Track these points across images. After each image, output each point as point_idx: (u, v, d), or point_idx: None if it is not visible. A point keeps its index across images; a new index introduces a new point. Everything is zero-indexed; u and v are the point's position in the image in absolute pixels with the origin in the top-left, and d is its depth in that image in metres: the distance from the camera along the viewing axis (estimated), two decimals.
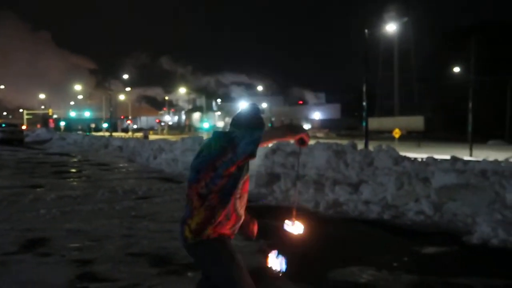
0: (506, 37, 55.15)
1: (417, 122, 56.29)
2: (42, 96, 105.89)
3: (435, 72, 60.09)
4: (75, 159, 24.00)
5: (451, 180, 9.00)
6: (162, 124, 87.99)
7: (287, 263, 3.21)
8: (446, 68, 54.48)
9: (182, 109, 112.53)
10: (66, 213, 9.09)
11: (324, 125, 78.76)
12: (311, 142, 16.43)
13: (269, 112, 78.27)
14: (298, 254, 3.24)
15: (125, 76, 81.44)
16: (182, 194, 10.51)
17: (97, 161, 22.38)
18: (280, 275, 3.20)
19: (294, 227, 3.20)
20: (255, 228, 3.40)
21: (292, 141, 3.12)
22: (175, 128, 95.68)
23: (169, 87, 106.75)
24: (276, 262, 3.21)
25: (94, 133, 59.74)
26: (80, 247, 6.62)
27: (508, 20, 59.38)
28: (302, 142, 3.05)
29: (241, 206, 3.12)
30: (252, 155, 2.88)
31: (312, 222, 8.52)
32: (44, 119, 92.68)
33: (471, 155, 22.12)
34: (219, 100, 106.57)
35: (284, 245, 3.21)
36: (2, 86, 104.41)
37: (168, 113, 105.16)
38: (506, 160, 11.65)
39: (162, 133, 72.15)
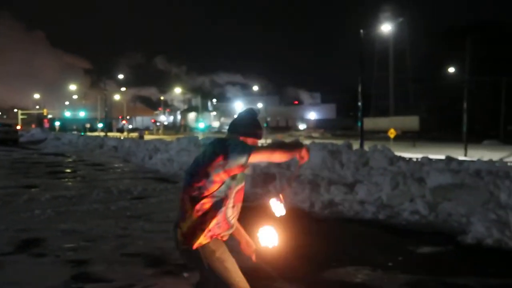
0: (501, 37, 55.40)
1: (412, 122, 56.39)
2: (36, 96, 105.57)
3: (430, 72, 60.30)
4: (70, 159, 23.94)
5: (446, 180, 9.02)
6: (158, 124, 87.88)
7: (276, 239, 3.19)
8: (441, 68, 54.69)
9: (178, 109, 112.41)
10: (61, 213, 9.07)
11: (319, 125, 78.91)
12: (307, 142, 16.47)
13: (264, 112, 78.29)
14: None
15: (121, 76, 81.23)
16: (177, 194, 10.49)
17: (92, 161, 22.33)
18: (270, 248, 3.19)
19: (278, 207, 3.13)
20: (251, 251, 3.38)
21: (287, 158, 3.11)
22: (171, 128, 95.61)
23: (164, 87, 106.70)
24: (266, 236, 3.18)
25: (89, 133, 59.58)
26: (75, 248, 6.61)
27: (503, 20, 59.65)
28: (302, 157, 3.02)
29: (233, 216, 3.13)
30: (243, 165, 2.90)
31: (308, 222, 8.57)
32: (39, 119, 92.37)
33: (465, 155, 22.20)
34: (214, 100, 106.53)
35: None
36: None
37: (164, 113, 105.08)
38: (501, 160, 11.71)
39: (157, 133, 72.03)
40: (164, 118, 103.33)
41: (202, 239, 3.00)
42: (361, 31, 24.56)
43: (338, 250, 6.61)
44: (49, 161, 22.43)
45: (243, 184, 3.16)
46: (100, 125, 70.81)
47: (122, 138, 41.24)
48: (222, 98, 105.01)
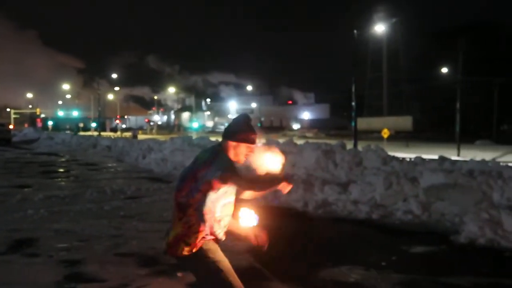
0: (494, 38, 55.70)
1: (405, 122, 56.64)
2: (29, 95, 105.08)
3: (424, 72, 60.52)
4: (63, 159, 23.84)
5: (439, 180, 9.06)
6: (151, 123, 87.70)
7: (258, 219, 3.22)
8: (435, 68, 54.92)
9: (172, 108, 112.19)
10: (54, 213, 9.03)
11: (313, 125, 79.00)
12: (301, 142, 16.48)
13: (258, 112, 78.31)
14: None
15: (114, 76, 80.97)
16: (171, 194, 10.46)
17: (86, 161, 22.26)
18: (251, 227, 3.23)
19: (250, 217, 3.19)
20: (263, 238, 3.38)
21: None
22: (164, 127, 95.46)
23: (157, 87, 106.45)
24: (248, 217, 3.21)
25: (82, 133, 59.36)
26: (68, 248, 6.58)
27: (496, 21, 59.95)
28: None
29: (221, 229, 3.15)
30: (220, 181, 2.95)
31: (301, 221, 8.58)
32: (32, 119, 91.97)
33: (458, 155, 22.29)
34: (208, 100, 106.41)
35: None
36: None
37: (157, 113, 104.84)
38: (493, 160, 11.77)
39: (151, 133, 71.89)
40: (158, 118, 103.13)
41: (186, 251, 3.03)
42: (355, 31, 24.62)
43: (331, 250, 6.62)
44: (42, 161, 22.33)
45: (232, 198, 3.16)
46: (93, 124, 70.59)
47: (115, 137, 41.13)
48: (216, 97, 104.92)
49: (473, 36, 48.93)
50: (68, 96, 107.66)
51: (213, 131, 77.22)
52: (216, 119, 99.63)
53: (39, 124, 79.80)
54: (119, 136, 52.60)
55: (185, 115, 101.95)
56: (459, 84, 29.58)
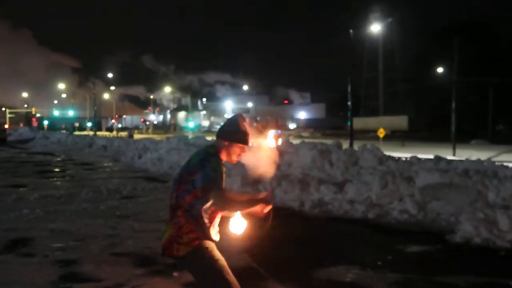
0: (490, 38, 55.88)
1: (401, 122, 56.73)
2: (25, 94, 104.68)
3: (419, 72, 60.65)
4: (58, 159, 23.78)
5: (434, 180, 9.08)
6: (147, 123, 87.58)
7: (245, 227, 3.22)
8: (430, 68, 55.04)
9: (167, 108, 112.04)
10: (49, 213, 9.00)
11: (309, 124, 79.06)
12: (297, 141, 16.50)
13: (254, 111, 78.34)
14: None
15: (110, 75, 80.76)
16: (167, 194, 10.47)
17: (81, 160, 22.21)
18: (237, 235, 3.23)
19: (239, 225, 3.19)
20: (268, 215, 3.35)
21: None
22: (160, 127, 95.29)
23: (152, 86, 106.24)
24: (235, 223, 3.21)
25: (78, 132, 59.22)
26: (64, 247, 6.56)
27: (491, 21, 60.13)
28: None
29: (214, 230, 3.18)
30: (202, 193, 2.97)
31: (298, 221, 8.59)
32: (27, 118, 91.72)
33: (454, 155, 22.36)
34: (204, 99, 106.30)
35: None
36: None
37: (153, 112, 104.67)
38: (489, 159, 11.79)
39: (147, 132, 71.79)
40: (154, 117, 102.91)
41: (181, 251, 3.04)
42: (351, 31, 24.66)
43: (327, 249, 6.63)
44: (38, 160, 22.27)
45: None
46: (89, 124, 70.41)
47: (111, 137, 41.04)
48: (212, 97, 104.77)
49: (469, 36, 49.06)
50: (64, 95, 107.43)
51: (209, 130, 77.12)
52: (212, 118, 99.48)
53: (35, 124, 79.62)
54: (115, 135, 52.51)
55: (181, 114, 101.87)
56: (455, 84, 29.68)
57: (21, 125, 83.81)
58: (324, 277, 5.38)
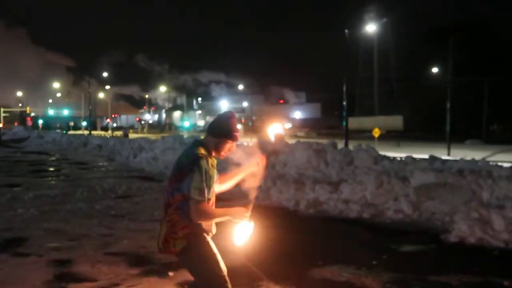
0: (484, 38, 56.04)
1: (396, 121, 56.83)
2: (19, 93, 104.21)
3: (414, 72, 60.78)
4: (53, 158, 23.71)
5: (429, 179, 9.11)
6: (142, 122, 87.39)
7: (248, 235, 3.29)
8: (425, 68, 55.18)
9: (163, 107, 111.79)
10: (44, 212, 8.98)
11: (304, 124, 79.03)
12: (292, 141, 16.51)
13: (249, 111, 78.32)
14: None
15: (105, 74, 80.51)
16: (162, 193, 10.46)
17: (76, 160, 22.16)
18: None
19: (244, 233, 3.27)
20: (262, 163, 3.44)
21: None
22: (156, 126, 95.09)
23: (147, 86, 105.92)
24: (240, 232, 3.27)
25: (73, 132, 59.05)
26: (59, 247, 6.55)
27: (486, 21, 60.33)
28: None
29: (210, 225, 3.23)
30: (185, 198, 3.02)
31: (292, 221, 8.60)
32: (22, 117, 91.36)
33: (449, 155, 22.42)
34: (199, 99, 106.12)
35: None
36: None
37: (149, 112, 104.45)
38: (483, 159, 11.84)
39: (142, 132, 71.66)
40: (149, 117, 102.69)
41: (177, 246, 3.10)
42: (346, 31, 24.71)
43: (323, 249, 6.64)
44: (32, 160, 22.20)
45: (213, 195, 3.23)
46: (84, 123, 70.20)
47: (106, 136, 40.95)
48: (207, 97, 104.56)
49: (464, 36, 49.15)
50: (59, 94, 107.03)
51: (204, 130, 77.02)
52: (208, 118, 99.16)
53: (29, 123, 79.37)
54: (110, 135, 52.40)
55: (177, 114, 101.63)
56: (449, 84, 29.78)
57: (16, 124, 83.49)
58: (319, 277, 5.39)
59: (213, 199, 3.22)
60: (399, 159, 12.88)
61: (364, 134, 48.43)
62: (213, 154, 3.24)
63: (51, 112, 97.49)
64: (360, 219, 8.44)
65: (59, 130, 65.18)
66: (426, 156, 12.59)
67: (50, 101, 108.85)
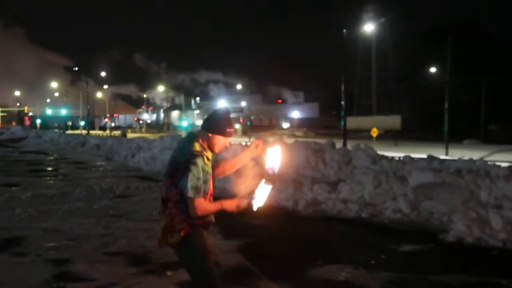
0: (482, 38, 56.13)
1: (394, 121, 56.83)
2: (17, 93, 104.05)
3: (413, 72, 60.85)
4: (51, 158, 23.68)
5: (427, 179, 9.11)
6: (141, 122, 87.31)
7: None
8: (423, 68, 55.23)
9: (161, 107, 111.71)
10: (42, 212, 8.97)
11: (302, 124, 79.05)
12: (290, 140, 16.51)
13: (248, 110, 78.29)
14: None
15: (103, 74, 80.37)
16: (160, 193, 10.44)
17: (74, 159, 22.13)
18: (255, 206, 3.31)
19: (264, 193, 3.29)
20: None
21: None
22: (154, 126, 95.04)
23: (144, 85, 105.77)
24: (262, 190, 3.30)
25: (71, 131, 58.97)
26: (57, 247, 6.54)
27: (484, 21, 60.47)
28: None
29: (207, 218, 3.28)
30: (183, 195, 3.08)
31: (291, 220, 8.60)
32: (20, 117, 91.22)
33: (447, 154, 22.45)
34: (198, 99, 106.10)
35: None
36: None
37: (147, 111, 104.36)
38: (481, 159, 11.85)
39: (140, 131, 71.59)
40: (147, 116, 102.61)
41: (175, 238, 3.16)
42: (344, 31, 24.70)
43: (321, 249, 6.64)
44: (30, 159, 22.17)
45: (210, 187, 3.27)
46: (82, 123, 70.10)
47: (104, 135, 40.91)
48: (206, 96, 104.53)
49: (462, 36, 49.23)
50: (56, 94, 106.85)
51: None
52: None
53: (27, 122, 79.17)
54: (108, 134, 52.34)
55: (175, 113, 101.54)
56: (447, 84, 29.78)
57: (14, 123, 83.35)
58: (318, 276, 5.39)
59: (211, 188, 3.27)
60: (397, 159, 12.88)
61: (362, 133, 48.46)
62: (207, 149, 3.28)
63: (49, 111, 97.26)
64: (359, 219, 8.45)
65: (57, 130, 65.12)
66: (424, 156, 12.60)
67: (48, 100, 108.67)
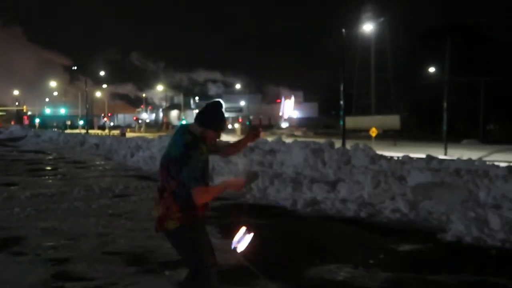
0: (481, 38, 56.16)
1: (393, 121, 56.94)
2: (16, 92, 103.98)
3: (411, 72, 60.89)
4: (50, 157, 23.66)
5: (426, 179, 9.13)
6: (140, 121, 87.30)
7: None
8: (422, 68, 55.26)
9: (160, 106, 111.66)
10: (41, 211, 8.96)
11: (301, 123, 79.03)
12: (289, 140, 16.51)
13: (247, 110, 78.27)
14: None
15: (102, 73, 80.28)
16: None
17: (73, 158, 22.11)
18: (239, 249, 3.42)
19: (244, 240, 3.41)
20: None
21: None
22: (153, 125, 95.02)
23: (142, 85, 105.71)
24: (242, 238, 3.41)
25: (69, 131, 58.94)
26: (56, 246, 6.54)
27: (483, 21, 60.52)
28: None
29: (202, 207, 3.38)
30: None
31: (290, 220, 8.60)
32: (18, 116, 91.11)
33: (445, 154, 22.48)
34: (197, 98, 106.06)
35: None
36: None
37: (146, 111, 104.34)
38: (480, 159, 11.88)
39: (139, 131, 71.58)
40: (146, 116, 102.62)
41: (170, 225, 3.25)
42: (343, 30, 24.71)
43: (320, 248, 6.64)
44: (29, 159, 22.15)
45: (206, 176, 3.37)
46: (81, 122, 70.06)
47: (103, 135, 40.90)
48: (205, 96, 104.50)
49: (461, 36, 49.29)
50: (55, 93, 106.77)
51: None
52: None
53: (26, 122, 79.14)
54: (107, 134, 52.33)
55: (174, 113, 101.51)
56: (446, 84, 29.80)
57: (12, 123, 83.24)
58: (316, 276, 5.39)
59: (207, 173, 3.36)
60: (396, 158, 12.91)
61: (361, 133, 48.50)
62: (200, 139, 3.34)
63: (48, 111, 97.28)
64: (357, 219, 8.45)
65: (56, 129, 65.13)
66: (423, 156, 12.63)
67: (47, 100, 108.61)
